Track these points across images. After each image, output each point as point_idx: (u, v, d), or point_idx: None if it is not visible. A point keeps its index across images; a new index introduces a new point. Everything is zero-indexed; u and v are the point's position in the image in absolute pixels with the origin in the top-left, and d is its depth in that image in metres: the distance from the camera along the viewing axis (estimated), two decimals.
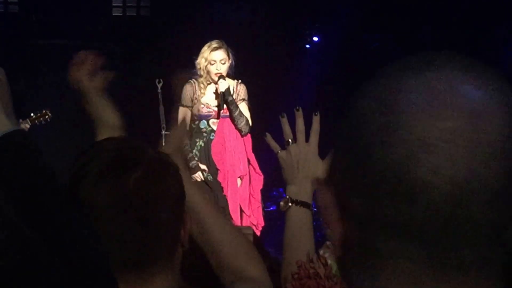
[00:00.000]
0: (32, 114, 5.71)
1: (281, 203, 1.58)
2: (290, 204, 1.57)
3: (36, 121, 5.71)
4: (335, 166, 0.70)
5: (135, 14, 7.32)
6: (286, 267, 1.54)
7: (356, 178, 0.66)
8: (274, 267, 1.63)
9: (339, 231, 0.69)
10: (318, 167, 1.60)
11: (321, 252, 1.55)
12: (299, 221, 1.56)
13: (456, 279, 0.64)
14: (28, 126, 5.65)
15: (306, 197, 1.59)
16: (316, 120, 1.63)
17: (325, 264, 1.48)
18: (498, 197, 0.62)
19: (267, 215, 5.60)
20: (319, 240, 1.62)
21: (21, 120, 5.64)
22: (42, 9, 7.21)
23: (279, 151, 1.64)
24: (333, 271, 1.47)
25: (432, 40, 7.15)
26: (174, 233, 1.23)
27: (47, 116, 5.75)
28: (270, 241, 4.48)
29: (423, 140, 0.62)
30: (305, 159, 1.60)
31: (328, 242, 1.55)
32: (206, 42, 5.20)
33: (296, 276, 1.48)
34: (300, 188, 1.59)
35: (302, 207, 1.57)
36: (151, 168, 1.21)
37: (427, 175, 0.62)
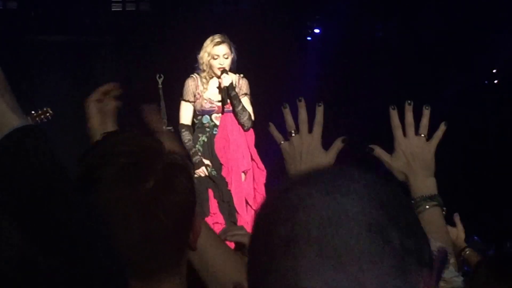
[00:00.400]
0: (33, 112, 5.67)
1: None
2: None
3: (37, 118, 5.68)
4: None
5: (134, 9, 7.29)
6: None
7: None
8: None
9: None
10: (322, 159, 1.57)
11: None
12: None
13: None
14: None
15: None
16: (319, 111, 1.61)
17: None
18: None
19: None
20: None
21: None
22: (41, 5, 7.18)
23: (282, 142, 1.61)
24: None
25: (433, 29, 7.10)
26: (183, 239, 1.22)
27: (48, 114, 5.71)
28: None
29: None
30: (307, 151, 1.58)
31: None
32: (207, 36, 5.17)
33: None
34: None
35: None
36: (165, 175, 1.18)
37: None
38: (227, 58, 5.08)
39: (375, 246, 0.67)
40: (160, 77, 5.39)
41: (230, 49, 5.10)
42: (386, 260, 0.67)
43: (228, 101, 5.11)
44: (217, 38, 5.10)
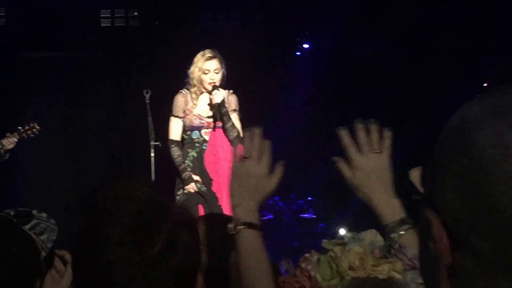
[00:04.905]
0: (20, 128, 5.64)
1: (230, 225, 1.57)
2: (240, 227, 1.57)
3: (24, 134, 5.64)
4: (445, 199, 0.70)
5: (124, 24, 7.27)
6: None
7: (481, 222, 0.67)
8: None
9: (448, 260, 0.70)
10: (265, 184, 1.61)
11: (302, 265, 1.52)
12: (252, 244, 1.57)
13: None
14: (16, 140, 5.58)
15: (255, 219, 1.59)
16: (267, 144, 1.66)
17: (309, 277, 1.47)
18: None
19: (263, 224, 5.54)
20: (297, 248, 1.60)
21: (8, 134, 5.57)
22: (30, 22, 7.15)
23: (237, 161, 1.65)
24: (319, 282, 1.46)
25: (423, 44, 7.13)
26: None
27: (35, 129, 5.68)
28: (267, 249, 4.41)
29: None
30: (253, 175, 1.61)
31: (307, 254, 1.54)
32: (195, 52, 5.16)
33: None
34: (247, 209, 1.60)
35: (251, 228, 1.58)
36: (171, 236, 1.16)
37: None
38: (218, 73, 5.07)
39: None
40: (147, 92, 5.37)
41: (221, 64, 5.09)
42: None
43: (219, 117, 5.09)
44: (208, 53, 5.08)
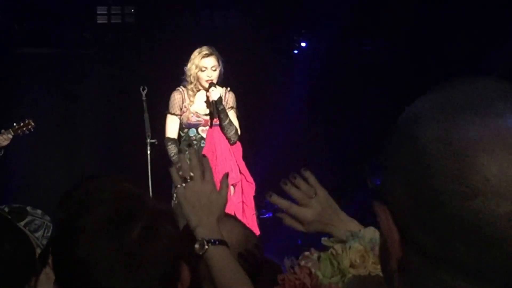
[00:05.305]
0: (14, 124, 5.62)
1: (196, 246, 1.58)
2: (206, 247, 1.58)
3: (19, 131, 5.63)
4: (393, 193, 0.70)
5: (120, 21, 7.25)
6: None
7: (424, 217, 0.67)
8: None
9: (398, 254, 0.70)
10: (217, 199, 1.65)
11: (302, 262, 1.53)
12: (223, 259, 1.58)
13: None
14: (11, 136, 5.56)
15: (218, 234, 1.60)
16: (206, 161, 1.70)
17: (310, 274, 1.48)
18: None
19: (262, 223, 5.53)
20: (297, 247, 1.59)
21: (3, 130, 5.56)
22: (26, 18, 7.13)
23: (179, 186, 1.66)
24: (320, 279, 1.47)
25: (424, 43, 7.10)
26: None
27: (30, 126, 5.66)
28: (268, 248, 4.40)
29: (496, 191, 0.63)
30: (202, 195, 1.64)
31: (307, 252, 1.55)
32: (192, 49, 5.13)
33: None
34: (208, 227, 1.61)
35: (219, 245, 1.59)
36: (150, 223, 1.13)
37: (503, 227, 0.63)
38: (215, 70, 5.04)
39: None
40: (144, 89, 5.34)
41: (218, 61, 5.06)
42: None
43: (216, 115, 5.06)
44: (205, 50, 5.05)
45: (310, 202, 1.68)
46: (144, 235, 1.12)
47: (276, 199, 1.67)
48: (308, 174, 1.72)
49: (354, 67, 7.46)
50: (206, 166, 1.68)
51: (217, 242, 1.58)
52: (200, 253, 1.57)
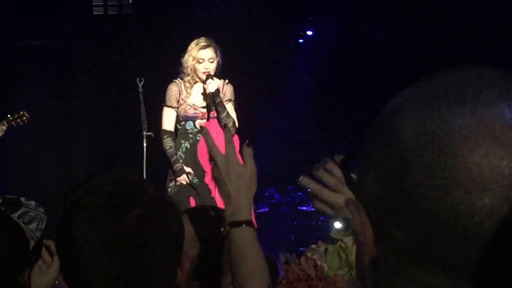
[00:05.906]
0: (9, 116, 5.57)
1: (222, 229, 1.56)
2: (228, 228, 1.56)
3: (13, 122, 5.58)
4: (368, 189, 0.67)
5: (116, 12, 7.20)
6: None
7: (400, 213, 0.64)
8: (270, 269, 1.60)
9: (373, 252, 0.68)
10: (243, 171, 1.62)
11: (309, 254, 1.52)
12: (250, 239, 1.55)
13: None
14: (4, 128, 5.51)
15: (243, 215, 1.56)
16: (227, 132, 1.69)
17: (315, 266, 1.47)
18: None
19: (259, 217, 5.48)
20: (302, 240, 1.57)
21: None
22: (21, 9, 7.07)
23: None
24: (326, 271, 1.46)
25: (442, 28, 6.91)
26: (170, 275, 1.16)
27: (24, 118, 5.62)
28: (263, 243, 4.35)
29: (479, 183, 0.60)
30: (229, 169, 1.62)
31: (313, 246, 1.54)
32: (190, 40, 5.06)
33: (284, 281, 1.47)
34: (236, 206, 1.58)
35: (244, 226, 1.56)
36: (150, 206, 1.13)
37: (483, 219, 0.60)
38: (212, 62, 4.97)
39: None
40: (140, 80, 5.29)
41: (216, 53, 4.99)
42: None
43: (213, 107, 5.00)
44: (202, 41, 4.98)
45: (343, 189, 1.62)
46: (147, 214, 1.12)
47: (307, 182, 1.61)
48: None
49: (367, 56, 7.24)
50: (228, 138, 1.65)
51: (242, 224, 1.54)
52: (223, 235, 1.56)
